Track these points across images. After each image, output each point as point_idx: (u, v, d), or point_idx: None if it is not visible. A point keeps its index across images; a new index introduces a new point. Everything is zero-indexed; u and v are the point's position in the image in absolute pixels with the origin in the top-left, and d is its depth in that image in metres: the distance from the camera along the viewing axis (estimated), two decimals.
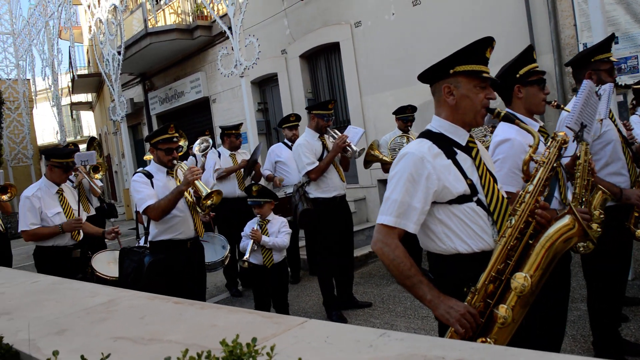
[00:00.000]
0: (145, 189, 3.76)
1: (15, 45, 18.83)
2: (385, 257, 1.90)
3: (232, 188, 5.98)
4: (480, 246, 1.89)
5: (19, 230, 4.14)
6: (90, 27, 13.37)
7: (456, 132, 1.99)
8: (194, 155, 7.82)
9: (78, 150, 6.71)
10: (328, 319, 4.73)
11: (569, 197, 2.47)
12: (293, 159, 5.20)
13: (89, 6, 12.80)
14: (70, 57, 17.00)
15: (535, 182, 1.83)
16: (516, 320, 1.77)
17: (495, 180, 1.98)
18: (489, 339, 1.77)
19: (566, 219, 1.75)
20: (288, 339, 1.69)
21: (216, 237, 5.32)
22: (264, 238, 4.22)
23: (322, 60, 10.05)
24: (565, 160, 2.53)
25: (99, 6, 12.28)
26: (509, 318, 1.74)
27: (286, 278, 4.42)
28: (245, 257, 4.26)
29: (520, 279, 1.74)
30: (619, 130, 3.03)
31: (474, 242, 1.89)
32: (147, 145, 4.10)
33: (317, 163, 4.58)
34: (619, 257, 3.05)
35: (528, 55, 2.57)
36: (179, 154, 9.86)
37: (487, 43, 1.94)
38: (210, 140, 7.61)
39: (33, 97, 19.29)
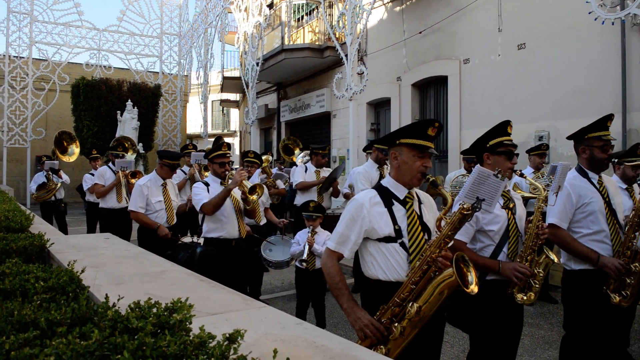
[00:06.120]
0: (202, 192, 4.66)
1: (179, 46, 21.68)
2: (325, 271, 2.58)
3: (312, 199, 6.81)
4: (395, 277, 2.48)
5: (128, 209, 5.39)
6: (242, 35, 15.11)
7: (397, 188, 2.60)
8: (296, 165, 8.81)
9: (196, 149, 8.02)
10: None
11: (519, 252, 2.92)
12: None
13: (241, 19, 14.54)
14: (222, 60, 19.34)
15: (439, 236, 2.38)
16: (405, 336, 2.34)
17: (423, 229, 2.54)
18: (384, 347, 2.37)
19: (449, 270, 2.28)
20: (242, 313, 2.46)
21: (287, 240, 6.16)
22: (315, 245, 4.97)
23: (432, 91, 10.55)
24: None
25: (247, 21, 13.94)
26: (397, 334, 2.33)
27: (324, 282, 5.06)
28: (304, 257, 5.00)
29: (411, 308, 2.32)
30: (606, 202, 3.29)
31: (391, 273, 2.49)
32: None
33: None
34: (596, 320, 3.28)
35: (502, 128, 3.03)
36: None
37: (429, 123, 2.51)
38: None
39: (188, 92, 22.12)
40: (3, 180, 17.59)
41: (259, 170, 6.74)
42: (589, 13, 5.91)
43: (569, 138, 3.51)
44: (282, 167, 10.61)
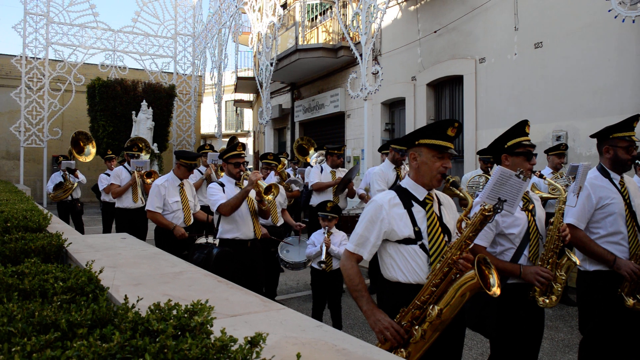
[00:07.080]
0: (218, 193, 4.63)
1: (193, 46, 21.83)
2: (344, 273, 2.55)
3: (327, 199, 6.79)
4: (415, 279, 2.45)
5: (146, 209, 5.41)
6: (256, 36, 15.15)
7: (416, 190, 2.56)
8: (310, 165, 8.79)
9: (212, 149, 8.05)
10: None
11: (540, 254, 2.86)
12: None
13: (255, 19, 14.57)
14: (236, 61, 19.42)
15: (460, 238, 2.34)
16: (426, 340, 2.30)
17: (443, 231, 2.50)
18: (404, 350, 2.34)
19: (471, 272, 2.24)
20: (261, 315, 2.44)
21: (304, 241, 6.14)
22: (332, 246, 4.94)
23: (447, 91, 10.47)
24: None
25: (261, 21, 13.96)
26: (417, 337, 2.29)
27: (341, 283, 5.09)
28: (322, 259, 4.97)
29: (431, 310, 2.28)
30: (627, 203, 3.22)
31: (411, 275, 2.45)
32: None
33: (386, 190, 5.20)
34: (611, 322, 3.21)
35: (520, 128, 2.97)
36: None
37: (449, 123, 2.47)
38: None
39: (202, 92, 22.25)
40: (20, 179, 17.81)
41: (272, 172, 6.74)
42: (609, 11, 5.82)
43: (592, 136, 3.45)
44: (297, 167, 10.61)
